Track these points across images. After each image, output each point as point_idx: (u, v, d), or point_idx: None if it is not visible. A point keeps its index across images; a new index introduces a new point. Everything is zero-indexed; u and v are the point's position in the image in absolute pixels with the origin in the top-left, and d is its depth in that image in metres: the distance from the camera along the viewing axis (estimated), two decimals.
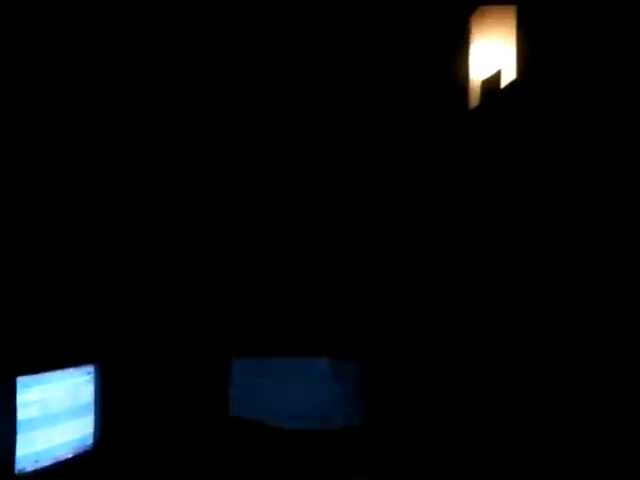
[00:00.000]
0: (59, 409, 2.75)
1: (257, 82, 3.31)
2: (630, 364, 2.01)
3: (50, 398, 2.72)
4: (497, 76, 2.88)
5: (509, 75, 2.80)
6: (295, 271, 3.33)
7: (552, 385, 2.38)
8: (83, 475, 2.84)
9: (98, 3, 3.04)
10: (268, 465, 3.06)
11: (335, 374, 3.20)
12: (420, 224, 3.28)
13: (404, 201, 3.33)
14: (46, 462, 2.69)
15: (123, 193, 3.19)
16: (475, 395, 2.90)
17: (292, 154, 3.34)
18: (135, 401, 3.15)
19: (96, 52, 3.07)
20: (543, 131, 2.44)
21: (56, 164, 3.04)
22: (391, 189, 3.35)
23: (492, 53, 3.01)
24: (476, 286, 2.92)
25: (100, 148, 3.14)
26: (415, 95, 3.30)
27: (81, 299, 3.07)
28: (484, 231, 2.85)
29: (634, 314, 1.99)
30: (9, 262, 2.86)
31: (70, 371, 2.81)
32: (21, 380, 2.62)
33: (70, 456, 2.79)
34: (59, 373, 2.76)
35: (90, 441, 2.88)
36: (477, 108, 2.97)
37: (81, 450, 2.84)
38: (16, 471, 2.58)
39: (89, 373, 2.88)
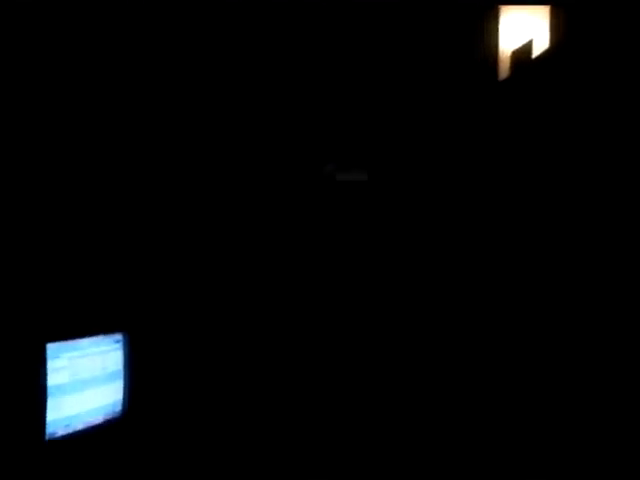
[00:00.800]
0: (88, 375, 2.79)
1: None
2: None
3: (80, 364, 2.75)
4: (529, 46, 2.83)
5: (541, 45, 2.76)
6: None
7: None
8: (113, 440, 2.88)
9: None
10: None
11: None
12: (448, 197, 3.26)
13: (431, 174, 3.31)
14: (77, 427, 2.74)
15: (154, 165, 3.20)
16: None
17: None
18: (164, 369, 3.18)
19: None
20: (578, 103, 2.40)
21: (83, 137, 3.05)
22: (420, 162, 3.34)
23: (523, 22, 2.95)
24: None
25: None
26: (443, 67, 3.26)
27: (112, 267, 3.08)
28: (512, 207, 2.83)
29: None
30: (42, 229, 2.87)
31: (99, 338, 2.84)
32: (51, 346, 2.66)
33: (100, 421, 2.84)
34: (88, 340, 2.80)
35: (119, 407, 2.93)
36: (507, 79, 2.92)
37: (110, 416, 2.89)
38: (47, 435, 2.63)
39: (118, 341, 2.91)
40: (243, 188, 3.37)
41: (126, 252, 3.13)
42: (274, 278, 3.36)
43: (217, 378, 3.27)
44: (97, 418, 2.83)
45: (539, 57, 2.74)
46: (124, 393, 2.94)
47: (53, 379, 2.65)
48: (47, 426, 2.62)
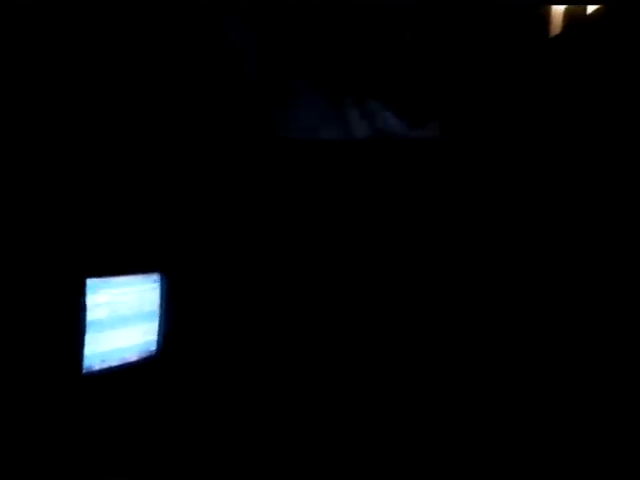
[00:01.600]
0: (126, 313, 2.82)
1: None
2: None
3: (117, 301, 2.78)
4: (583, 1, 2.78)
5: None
6: None
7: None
8: (147, 378, 2.92)
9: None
10: None
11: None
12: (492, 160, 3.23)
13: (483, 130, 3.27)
14: (113, 362, 2.77)
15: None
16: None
17: None
18: (199, 312, 3.20)
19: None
20: (630, 61, 2.36)
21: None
22: (465, 117, 3.29)
23: None
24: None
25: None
26: (490, 22, 3.20)
27: (154, 209, 3.09)
28: (562, 169, 2.79)
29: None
30: (90, 170, 2.88)
31: (138, 277, 2.87)
32: (91, 282, 2.69)
33: (135, 359, 2.87)
34: (127, 278, 2.82)
35: (154, 347, 2.96)
36: (559, 36, 2.87)
37: (145, 354, 2.92)
38: (84, 369, 2.67)
39: (155, 281, 2.93)
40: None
41: (167, 196, 3.13)
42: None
43: (251, 324, 3.29)
44: (132, 355, 2.86)
45: (593, 14, 2.69)
46: (159, 333, 2.97)
47: (92, 314, 2.68)
48: (84, 360, 2.66)
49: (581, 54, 2.67)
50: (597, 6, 2.65)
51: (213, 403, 3.10)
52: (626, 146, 2.34)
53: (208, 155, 3.23)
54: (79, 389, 2.67)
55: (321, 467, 2.94)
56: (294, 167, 3.31)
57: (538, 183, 2.92)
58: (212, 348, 3.20)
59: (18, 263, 2.58)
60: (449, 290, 3.20)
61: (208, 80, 3.12)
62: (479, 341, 3.07)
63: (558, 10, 2.95)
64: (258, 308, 3.30)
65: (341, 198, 3.30)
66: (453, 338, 3.19)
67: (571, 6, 2.85)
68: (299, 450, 3.02)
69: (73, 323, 2.63)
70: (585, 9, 2.76)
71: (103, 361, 2.74)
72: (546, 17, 2.98)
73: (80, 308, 2.64)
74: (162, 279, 2.95)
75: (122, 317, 2.80)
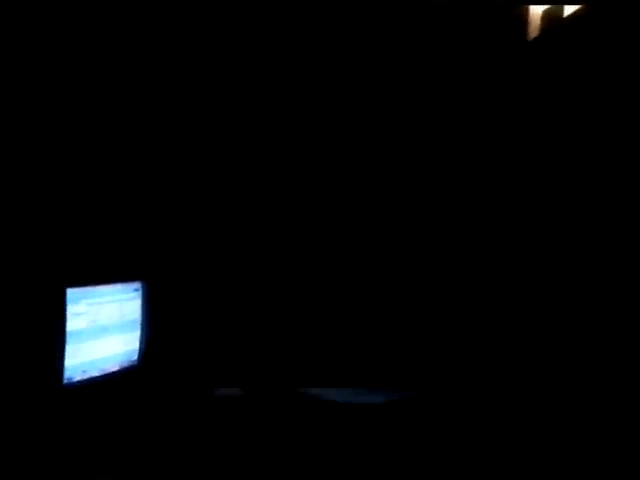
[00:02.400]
0: (106, 322, 2.80)
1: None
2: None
3: (98, 311, 2.76)
4: (560, 5, 2.79)
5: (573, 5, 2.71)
6: None
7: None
8: (128, 388, 2.90)
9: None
10: None
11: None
12: (475, 163, 3.23)
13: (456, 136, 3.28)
14: (94, 373, 2.75)
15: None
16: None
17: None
18: (180, 319, 3.18)
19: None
20: (608, 64, 2.36)
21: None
22: (444, 123, 3.30)
23: None
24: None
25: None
26: (470, 25, 3.22)
27: (133, 217, 3.07)
28: (543, 173, 2.79)
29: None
30: (69, 178, 2.85)
31: (118, 286, 2.84)
32: (71, 292, 2.66)
33: (116, 369, 2.85)
34: (108, 287, 2.80)
35: (135, 357, 2.94)
36: (537, 39, 2.88)
37: (126, 364, 2.90)
38: (65, 380, 2.64)
39: (136, 290, 2.91)
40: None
41: (148, 203, 3.11)
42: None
43: (234, 330, 3.27)
44: (113, 366, 2.84)
45: (570, 16, 2.70)
46: (140, 342, 2.95)
47: (72, 324, 2.65)
48: (65, 370, 2.63)
49: (560, 56, 2.67)
50: (575, 7, 2.66)
51: (195, 412, 3.07)
52: (606, 148, 2.34)
53: (186, 164, 3.22)
54: (60, 400, 2.64)
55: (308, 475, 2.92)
56: None
57: (519, 189, 2.93)
58: (194, 357, 3.18)
59: None
60: None
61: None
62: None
63: (536, 13, 2.96)
64: (240, 315, 3.28)
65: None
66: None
67: (549, 8, 2.86)
68: (285, 463, 3.00)
69: (53, 333, 2.60)
70: (562, 10, 2.77)
71: (84, 372, 2.71)
72: (524, 20, 2.99)
73: (60, 318, 2.61)
74: (143, 288, 2.93)
75: (103, 327, 2.77)
